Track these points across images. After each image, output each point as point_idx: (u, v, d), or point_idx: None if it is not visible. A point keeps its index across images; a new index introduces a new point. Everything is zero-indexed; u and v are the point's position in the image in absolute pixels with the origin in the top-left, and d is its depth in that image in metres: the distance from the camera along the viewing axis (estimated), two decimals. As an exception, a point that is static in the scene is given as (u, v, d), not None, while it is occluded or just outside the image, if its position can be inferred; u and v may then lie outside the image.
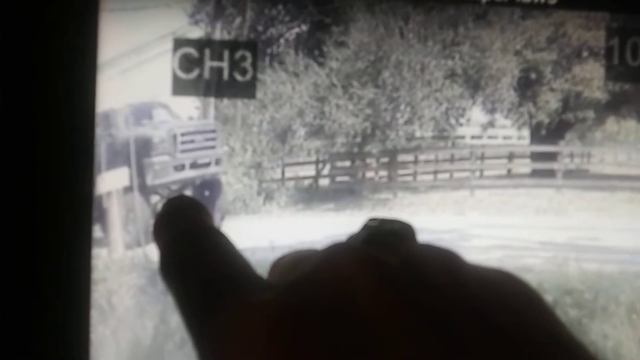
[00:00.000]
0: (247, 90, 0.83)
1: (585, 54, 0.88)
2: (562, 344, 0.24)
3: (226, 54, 0.82)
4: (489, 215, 0.90)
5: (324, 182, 0.90)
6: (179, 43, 0.81)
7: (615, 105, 0.90)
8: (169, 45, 0.81)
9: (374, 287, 0.23)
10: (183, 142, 0.88)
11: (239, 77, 0.82)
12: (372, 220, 0.29)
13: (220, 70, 0.82)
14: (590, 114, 0.91)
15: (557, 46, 0.88)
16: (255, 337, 0.23)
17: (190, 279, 0.27)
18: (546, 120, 0.91)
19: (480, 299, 0.24)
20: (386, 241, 0.27)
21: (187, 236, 0.29)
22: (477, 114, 0.91)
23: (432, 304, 0.23)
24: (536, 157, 0.95)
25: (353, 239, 0.28)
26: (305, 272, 0.25)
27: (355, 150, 0.89)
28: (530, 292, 0.26)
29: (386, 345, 0.22)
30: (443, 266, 0.25)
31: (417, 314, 0.23)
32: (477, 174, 0.94)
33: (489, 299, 0.24)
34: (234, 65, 0.82)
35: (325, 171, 0.90)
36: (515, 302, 0.25)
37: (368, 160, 0.90)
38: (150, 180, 0.85)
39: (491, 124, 0.93)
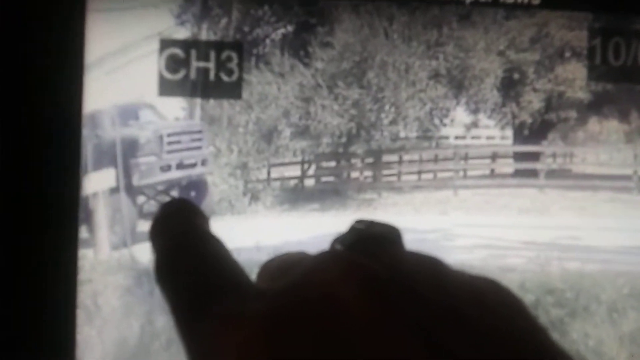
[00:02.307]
0: (233, 90, 0.83)
1: (568, 54, 0.89)
2: (546, 350, 0.24)
3: (212, 54, 0.82)
4: (473, 215, 0.91)
5: (309, 182, 0.90)
6: (165, 43, 0.81)
7: (597, 106, 0.91)
8: (155, 45, 0.81)
9: (361, 297, 0.24)
10: (169, 143, 0.88)
11: (225, 78, 0.82)
12: (359, 222, 0.29)
13: (206, 70, 0.82)
14: (573, 114, 0.91)
15: (540, 46, 0.89)
16: (238, 348, 0.23)
17: (182, 284, 0.27)
18: (529, 120, 0.92)
19: (465, 306, 0.25)
20: (373, 247, 0.27)
21: (181, 241, 0.29)
22: (460, 114, 0.92)
23: (418, 312, 0.24)
24: (519, 157, 0.96)
25: (339, 241, 0.28)
26: (292, 282, 0.25)
27: (341, 150, 0.89)
28: (515, 300, 0.26)
29: (372, 356, 0.22)
30: (429, 274, 0.26)
31: (403, 323, 0.23)
32: (461, 174, 0.95)
33: (474, 306, 0.25)
34: (220, 65, 0.82)
35: (311, 171, 0.90)
36: (499, 310, 0.25)
37: (353, 161, 0.90)
38: (136, 181, 0.85)
39: (475, 124, 0.93)
